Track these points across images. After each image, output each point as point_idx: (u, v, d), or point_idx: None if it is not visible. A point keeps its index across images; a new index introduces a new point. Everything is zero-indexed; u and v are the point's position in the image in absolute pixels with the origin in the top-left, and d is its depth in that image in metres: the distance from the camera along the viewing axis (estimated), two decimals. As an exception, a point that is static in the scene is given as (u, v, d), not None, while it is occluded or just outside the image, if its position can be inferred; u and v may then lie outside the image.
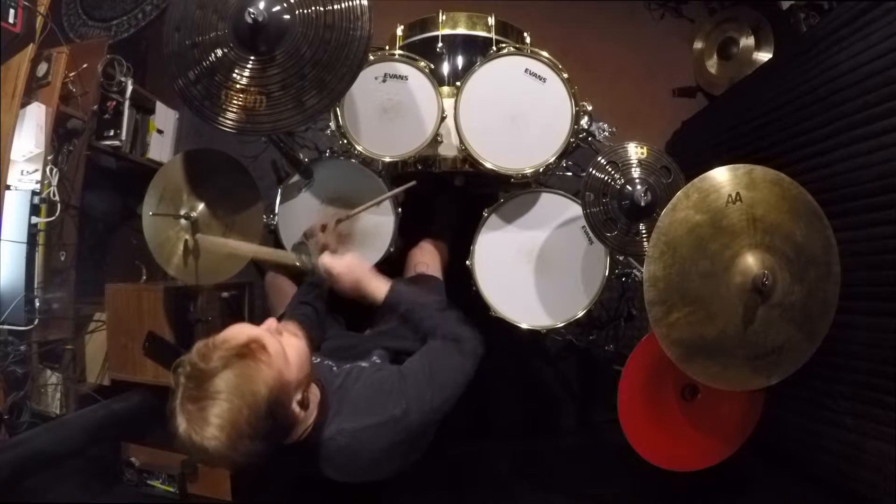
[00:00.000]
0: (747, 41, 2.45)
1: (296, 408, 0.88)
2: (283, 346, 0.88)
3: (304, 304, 1.36)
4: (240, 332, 0.85)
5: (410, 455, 1.01)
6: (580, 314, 1.66)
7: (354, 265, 1.22)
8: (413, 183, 1.56)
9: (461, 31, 1.68)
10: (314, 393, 0.96)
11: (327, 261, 1.24)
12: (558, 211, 1.68)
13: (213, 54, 1.21)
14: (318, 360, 1.14)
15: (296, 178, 1.65)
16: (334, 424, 0.95)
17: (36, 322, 1.80)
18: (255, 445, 0.80)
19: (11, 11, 1.77)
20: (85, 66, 2.06)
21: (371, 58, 1.52)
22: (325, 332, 1.41)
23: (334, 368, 1.11)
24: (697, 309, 1.21)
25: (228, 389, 0.78)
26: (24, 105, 1.84)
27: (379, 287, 1.19)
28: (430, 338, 1.11)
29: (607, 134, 1.85)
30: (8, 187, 1.80)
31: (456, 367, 1.05)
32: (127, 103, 2.15)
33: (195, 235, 1.50)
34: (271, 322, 0.92)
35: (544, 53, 1.57)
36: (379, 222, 1.63)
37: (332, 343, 1.37)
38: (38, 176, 1.86)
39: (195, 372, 0.79)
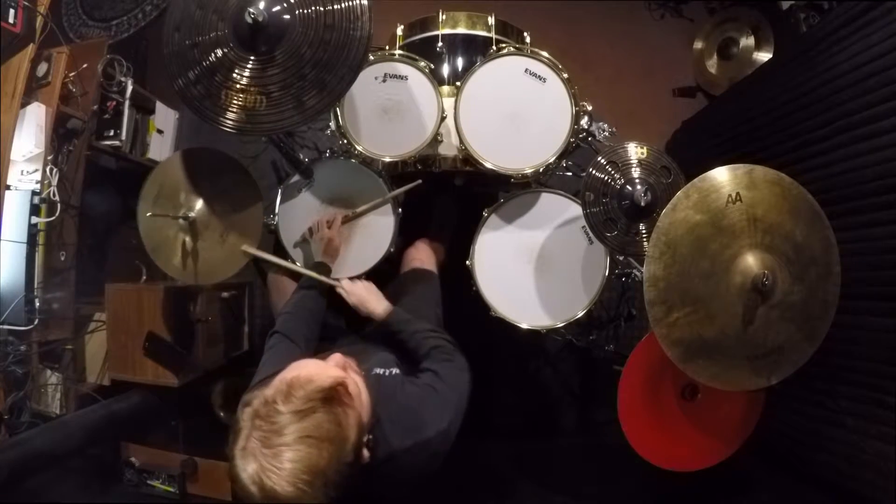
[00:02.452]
0: (747, 41, 2.45)
1: (365, 452, 0.84)
2: (359, 394, 0.85)
3: (306, 297, 1.37)
4: (323, 372, 0.80)
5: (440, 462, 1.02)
6: (580, 314, 1.66)
7: (365, 287, 1.40)
8: (419, 182, 1.56)
9: (461, 30, 1.68)
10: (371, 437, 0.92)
11: (344, 283, 1.41)
12: (558, 211, 1.68)
13: (213, 54, 1.21)
14: None
15: (296, 178, 1.65)
16: (385, 446, 0.92)
17: (36, 322, 1.80)
18: (331, 493, 0.73)
19: (11, 11, 1.77)
20: (85, 66, 2.06)
21: (371, 58, 1.52)
22: (326, 327, 1.41)
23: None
24: (697, 309, 1.21)
25: (319, 434, 0.72)
26: (24, 105, 1.84)
27: (379, 307, 1.35)
28: (426, 356, 1.17)
29: (607, 134, 1.86)
30: (8, 187, 1.80)
31: (464, 383, 1.11)
32: (127, 103, 2.15)
33: (242, 247, 1.52)
34: (339, 358, 0.89)
35: (544, 53, 1.57)
36: (379, 222, 1.63)
37: (342, 347, 1.37)
38: (38, 176, 1.86)
39: (273, 413, 0.73)
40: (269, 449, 0.71)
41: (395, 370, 1.12)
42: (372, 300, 1.37)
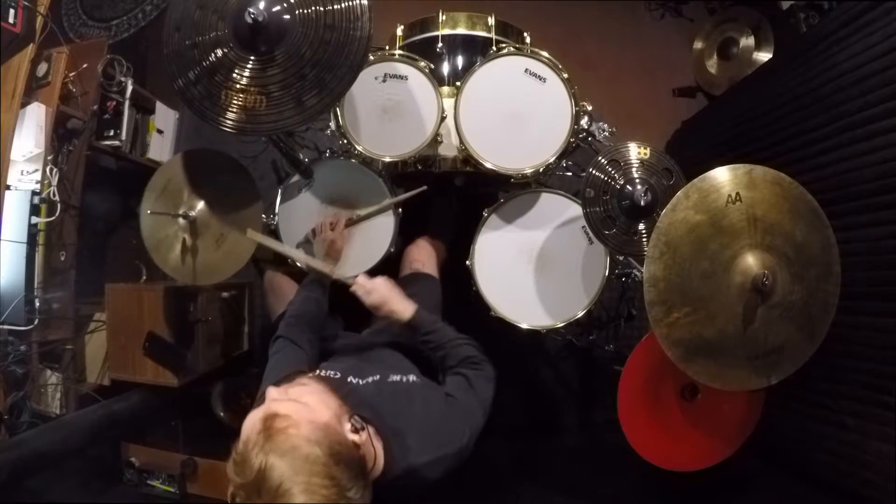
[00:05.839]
0: (747, 41, 2.45)
1: (352, 436, 0.83)
2: (296, 399, 0.83)
3: (308, 300, 1.36)
4: (251, 421, 0.79)
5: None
6: (580, 314, 1.66)
7: (386, 286, 1.29)
8: (424, 188, 1.56)
9: (461, 31, 1.68)
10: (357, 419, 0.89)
11: (361, 280, 1.30)
12: (558, 211, 1.68)
13: (213, 54, 1.21)
14: (336, 374, 1.10)
15: (296, 178, 1.65)
16: (405, 460, 0.91)
17: (36, 322, 1.80)
18: (355, 493, 0.75)
19: (11, 11, 1.77)
20: (85, 66, 2.06)
21: (371, 58, 1.52)
22: (325, 332, 1.41)
23: (352, 380, 1.08)
24: (697, 309, 1.21)
25: (288, 474, 0.71)
26: (24, 105, 1.83)
27: (405, 309, 1.25)
28: (455, 365, 1.15)
29: (607, 134, 1.85)
30: (8, 187, 1.80)
31: (490, 394, 1.09)
32: (127, 103, 2.15)
33: (247, 231, 1.46)
34: (271, 391, 0.87)
35: (544, 53, 1.57)
36: (380, 222, 1.63)
37: (336, 346, 1.37)
38: (38, 176, 1.86)
39: (247, 485, 0.72)
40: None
41: (413, 377, 1.10)
42: (395, 299, 1.26)
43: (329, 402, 0.85)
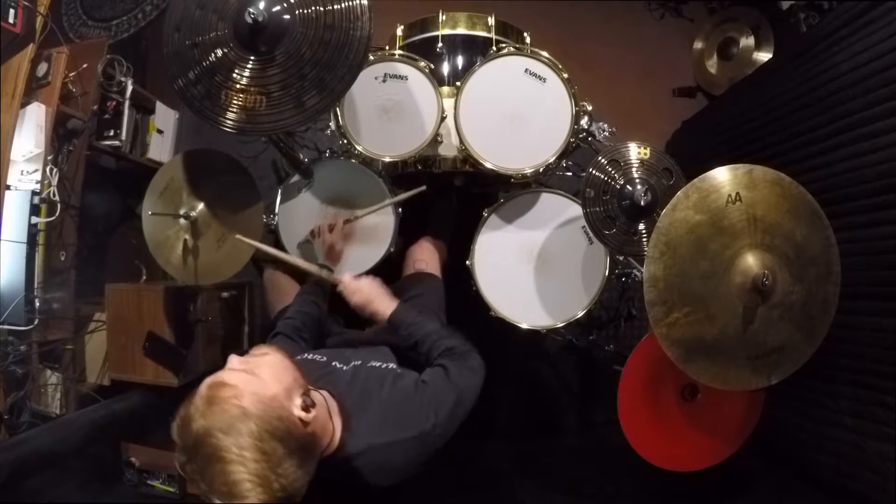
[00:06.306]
0: (747, 41, 2.45)
1: (300, 413, 0.83)
2: (251, 370, 0.83)
3: (307, 302, 1.37)
4: (201, 387, 0.81)
5: (430, 463, 1.00)
6: (580, 314, 1.66)
7: (370, 286, 1.29)
8: (423, 188, 1.56)
9: (461, 31, 1.68)
10: (318, 397, 0.92)
11: (347, 280, 1.31)
12: (558, 211, 1.68)
13: (213, 54, 1.21)
14: (323, 357, 1.13)
15: (296, 178, 1.65)
16: (363, 439, 0.92)
17: (36, 322, 1.80)
18: (289, 468, 0.76)
19: (11, 11, 1.77)
20: (85, 66, 2.05)
21: (371, 58, 1.52)
22: (326, 330, 1.42)
23: (337, 365, 1.10)
24: (697, 309, 1.21)
25: (222, 444, 0.73)
26: (24, 105, 1.83)
27: (386, 308, 1.23)
28: (437, 357, 1.12)
29: (607, 134, 1.86)
30: (8, 187, 1.80)
31: (471, 384, 1.06)
32: (127, 103, 2.14)
33: (235, 236, 1.45)
34: (232, 360, 0.87)
35: (544, 53, 1.57)
36: (380, 223, 1.63)
37: (333, 340, 1.38)
38: (38, 176, 1.86)
39: (186, 448, 0.75)
40: (212, 474, 0.73)
41: (393, 364, 1.11)
42: (377, 300, 1.25)
43: (283, 376, 0.85)
